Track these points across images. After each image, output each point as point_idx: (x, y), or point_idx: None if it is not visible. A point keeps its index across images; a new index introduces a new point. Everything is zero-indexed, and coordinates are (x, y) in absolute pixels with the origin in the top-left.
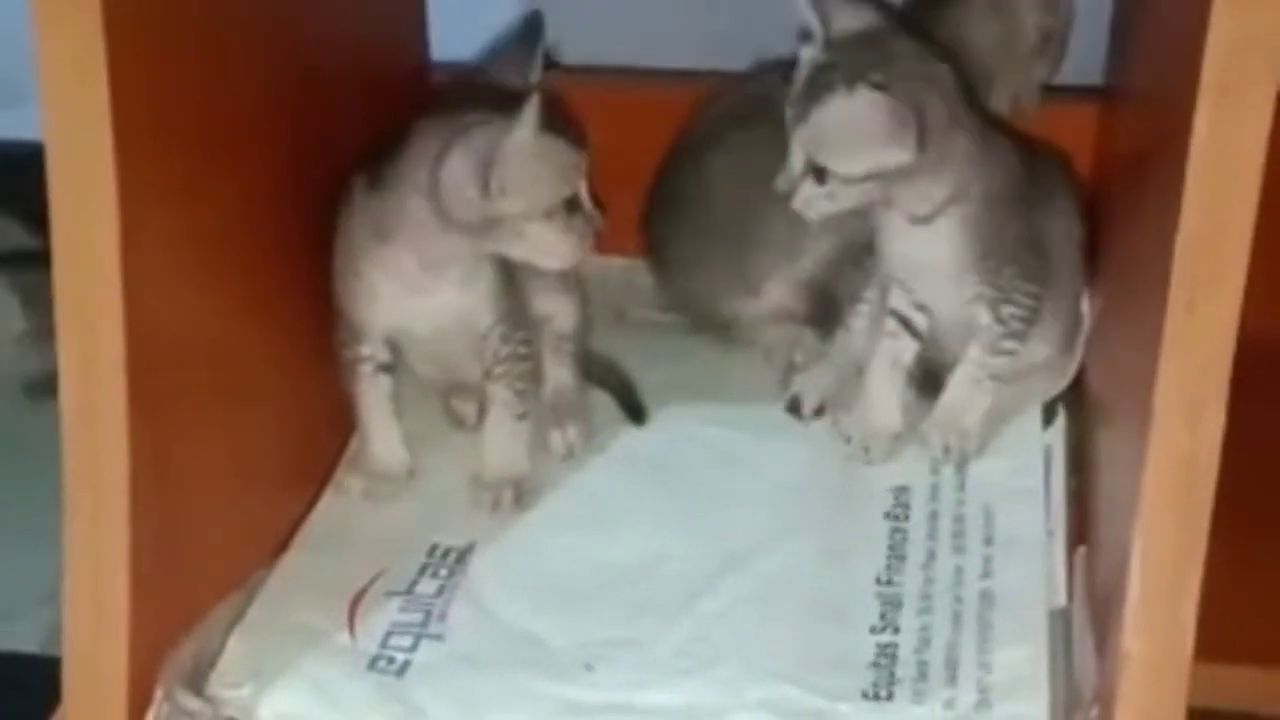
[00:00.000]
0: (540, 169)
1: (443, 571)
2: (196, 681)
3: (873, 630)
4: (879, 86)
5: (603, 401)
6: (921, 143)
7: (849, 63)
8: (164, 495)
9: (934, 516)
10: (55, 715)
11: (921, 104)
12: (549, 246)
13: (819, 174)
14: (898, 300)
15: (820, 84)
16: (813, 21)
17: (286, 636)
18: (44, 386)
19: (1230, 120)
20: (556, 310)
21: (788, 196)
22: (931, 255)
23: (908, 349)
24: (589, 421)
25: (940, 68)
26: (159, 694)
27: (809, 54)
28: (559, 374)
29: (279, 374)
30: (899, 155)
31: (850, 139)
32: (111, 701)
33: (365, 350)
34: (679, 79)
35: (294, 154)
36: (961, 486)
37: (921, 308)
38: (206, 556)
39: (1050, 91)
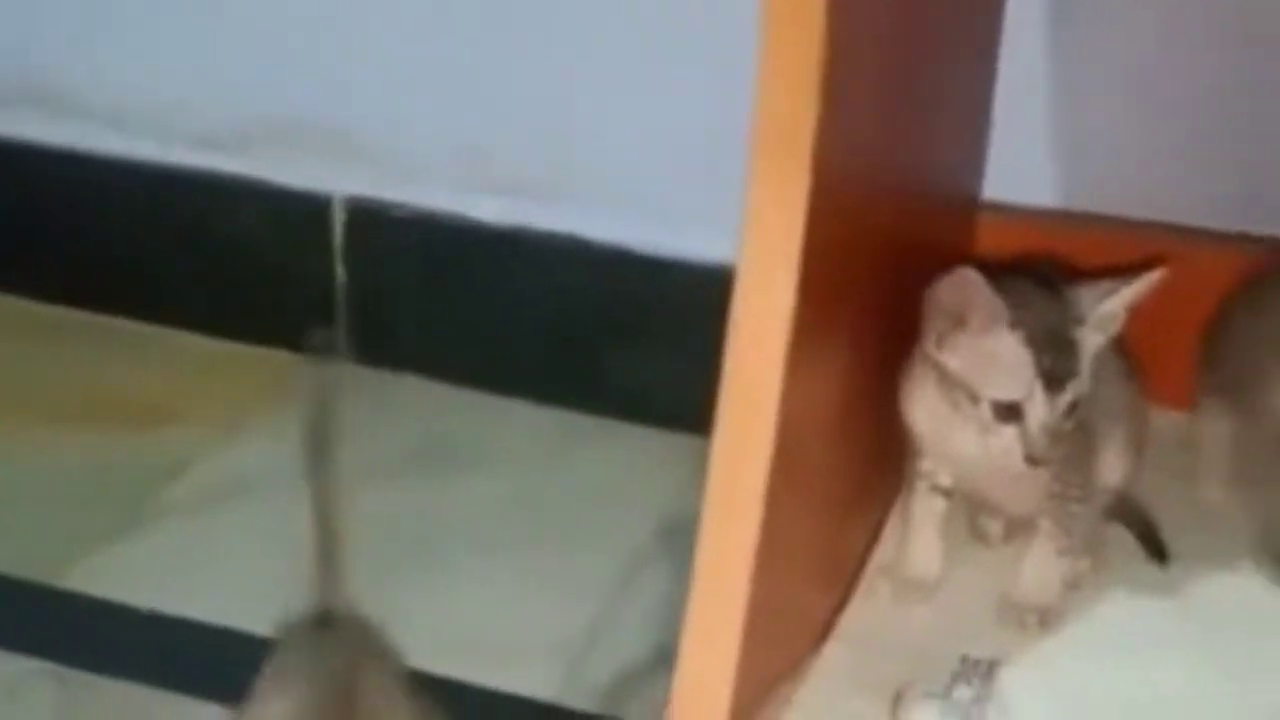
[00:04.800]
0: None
1: (974, 681)
2: None
3: None
4: None
5: (1123, 539)
6: None
7: None
8: (766, 572)
9: None
10: None
11: None
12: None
13: None
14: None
15: None
16: None
17: None
18: None
19: None
20: (1108, 463)
21: None
22: None
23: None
24: (1102, 556)
25: None
26: None
27: None
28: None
29: (836, 470)
30: None
31: None
32: None
33: (925, 466)
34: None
35: (877, 271)
36: None
37: None
38: (777, 636)
39: None
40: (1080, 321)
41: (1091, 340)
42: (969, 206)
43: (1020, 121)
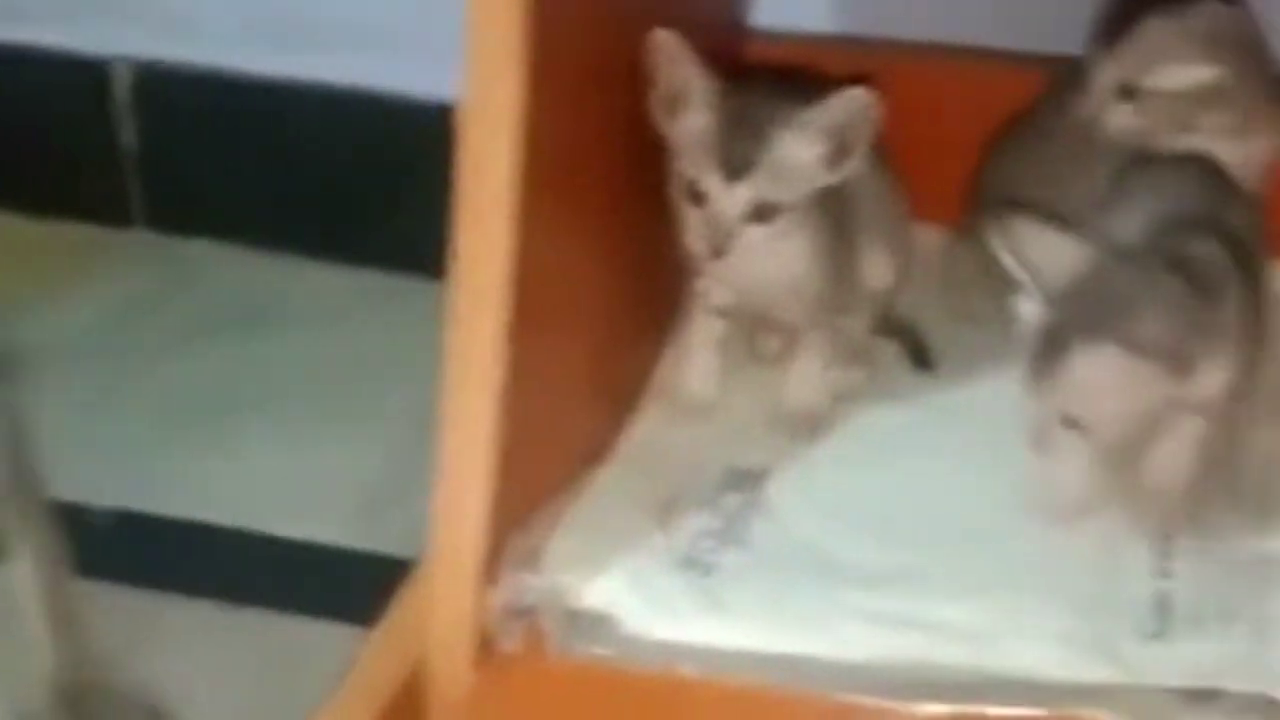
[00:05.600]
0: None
1: (742, 489)
2: (533, 567)
3: (1153, 575)
4: (1129, 344)
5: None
6: (1181, 371)
7: (1083, 316)
8: (519, 401)
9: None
10: (409, 588)
11: (1173, 343)
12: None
13: (1078, 424)
14: None
15: (1059, 343)
16: (1024, 277)
17: (605, 535)
18: None
19: None
20: (872, 270)
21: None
22: None
23: None
24: (872, 366)
25: (1173, 283)
26: (505, 575)
27: (1029, 310)
28: (857, 322)
29: (605, 298)
30: (1161, 391)
31: (1106, 392)
32: (469, 578)
33: (702, 286)
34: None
35: (628, 97)
36: (1240, 450)
37: None
38: (541, 460)
39: None
40: (786, 126)
41: (795, 151)
42: (736, 32)
43: None
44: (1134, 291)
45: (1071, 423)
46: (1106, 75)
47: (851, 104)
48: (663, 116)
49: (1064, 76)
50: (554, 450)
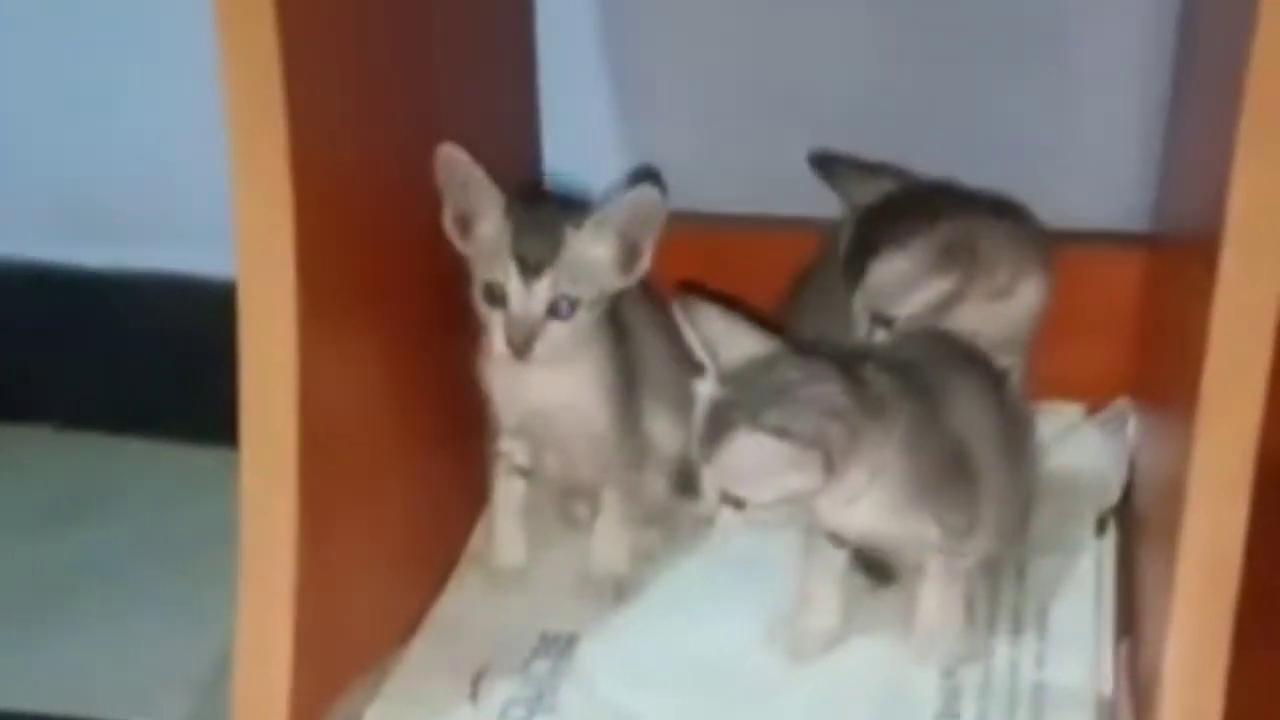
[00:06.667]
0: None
1: (553, 654)
2: None
3: (937, 717)
4: (778, 430)
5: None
6: (828, 468)
7: (746, 400)
8: (320, 580)
9: (993, 612)
10: None
11: (822, 434)
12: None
13: (735, 503)
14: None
15: (722, 422)
16: (704, 356)
17: (417, 708)
18: None
19: (1253, 264)
20: (663, 433)
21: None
22: (865, 526)
23: (840, 557)
24: (673, 527)
25: (830, 387)
26: None
27: (705, 389)
28: (654, 483)
29: (413, 473)
30: (808, 483)
31: (757, 475)
32: None
33: (503, 447)
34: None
35: (432, 254)
36: (1020, 585)
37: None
38: (351, 637)
39: (1095, 238)
40: (578, 226)
41: (588, 248)
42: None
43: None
44: (792, 384)
45: (730, 501)
46: (859, 308)
47: (640, 200)
48: (456, 235)
49: (832, 236)
50: (368, 624)
